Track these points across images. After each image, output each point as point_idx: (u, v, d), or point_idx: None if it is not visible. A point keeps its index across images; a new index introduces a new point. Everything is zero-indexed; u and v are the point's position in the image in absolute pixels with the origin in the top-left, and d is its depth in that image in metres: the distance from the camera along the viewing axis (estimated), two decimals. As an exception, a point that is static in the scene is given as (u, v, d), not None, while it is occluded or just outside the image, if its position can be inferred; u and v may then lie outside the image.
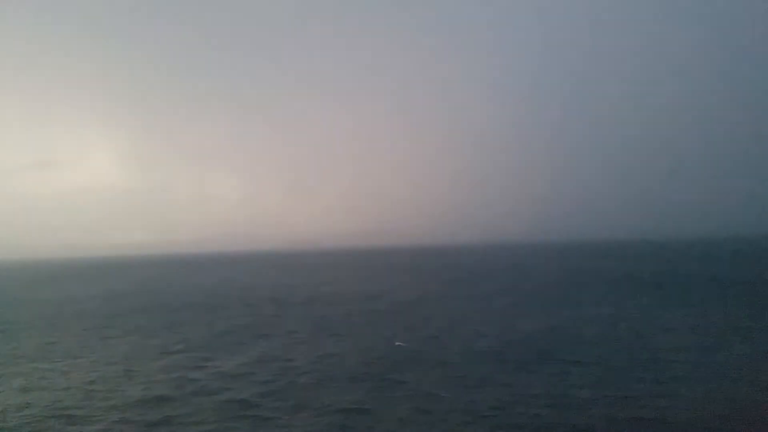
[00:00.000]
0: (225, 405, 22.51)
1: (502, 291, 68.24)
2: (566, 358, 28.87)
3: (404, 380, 25.52)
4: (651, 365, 26.85)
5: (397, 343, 33.92)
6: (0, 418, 21.55)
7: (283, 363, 30.14)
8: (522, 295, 62.83)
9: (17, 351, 35.95)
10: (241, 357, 32.13)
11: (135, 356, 33.38)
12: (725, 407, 20.10)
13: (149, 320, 49.91)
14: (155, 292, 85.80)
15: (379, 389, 24.15)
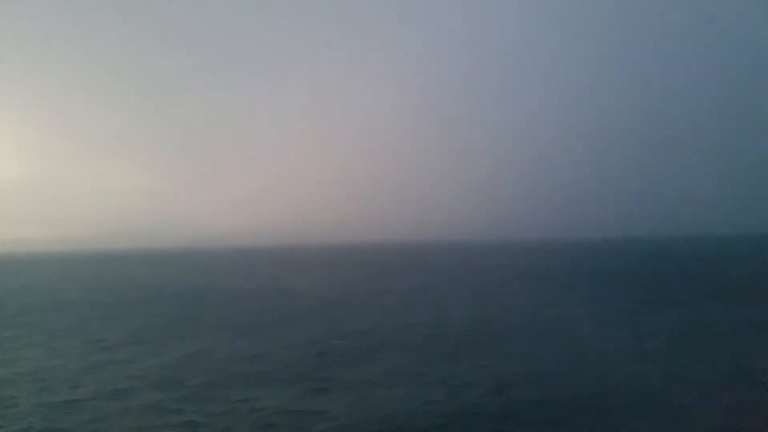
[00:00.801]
0: (149, 409, 20.56)
1: (429, 285, 69.09)
2: (497, 350, 29.38)
3: (343, 378, 24.75)
4: (577, 357, 27.86)
5: (333, 342, 32.91)
6: None
7: (209, 364, 28.26)
8: (452, 289, 63.92)
9: None
10: (162, 358, 29.79)
11: (41, 358, 29.98)
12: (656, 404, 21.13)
13: (53, 319, 45.41)
14: (55, 290, 78.74)
15: (318, 389, 23.15)
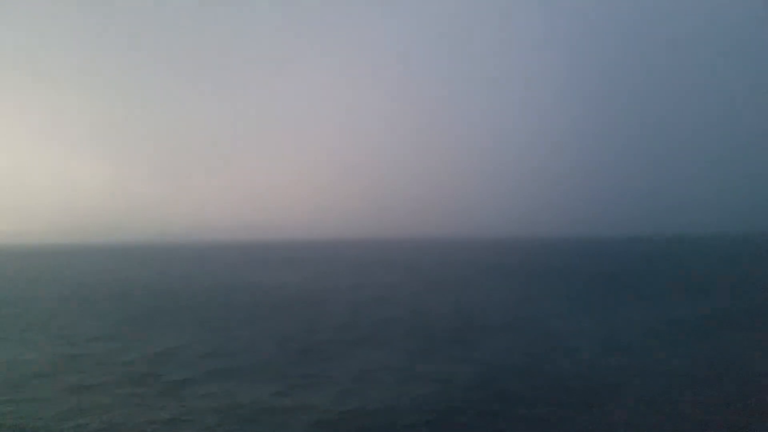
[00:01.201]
0: (128, 405, 19.90)
1: (411, 281, 69.05)
2: (479, 346, 29.45)
3: (325, 374, 24.48)
4: (550, 354, 28.13)
5: (313, 336, 32.54)
6: None
7: (187, 360, 27.62)
8: (434, 284, 64.00)
9: None
10: (137, 353, 28.97)
11: (12, 353, 28.79)
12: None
13: (22, 313, 43.76)
14: (25, 283, 76.04)
15: (301, 385, 22.86)
